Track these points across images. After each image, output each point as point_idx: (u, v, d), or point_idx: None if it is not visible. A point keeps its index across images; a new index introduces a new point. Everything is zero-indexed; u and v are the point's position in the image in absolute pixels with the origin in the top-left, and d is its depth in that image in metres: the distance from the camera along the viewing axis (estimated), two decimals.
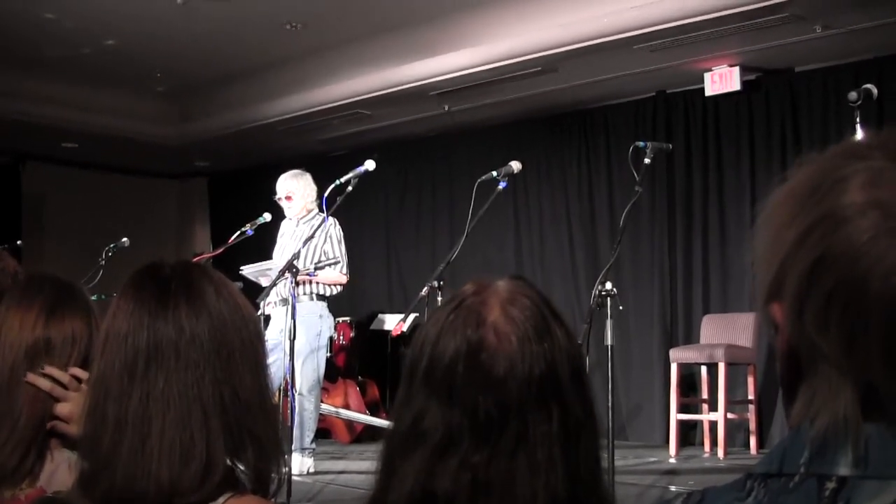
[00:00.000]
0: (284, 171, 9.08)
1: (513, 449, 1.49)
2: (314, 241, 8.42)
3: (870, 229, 1.12)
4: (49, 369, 2.46)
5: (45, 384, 2.44)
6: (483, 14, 10.09)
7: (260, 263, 8.64)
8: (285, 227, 9.02)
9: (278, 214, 8.97)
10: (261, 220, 8.68)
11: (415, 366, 1.58)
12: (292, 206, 8.88)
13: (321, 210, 8.24)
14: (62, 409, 2.44)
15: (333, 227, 8.67)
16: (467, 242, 6.54)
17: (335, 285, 8.70)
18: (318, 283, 8.54)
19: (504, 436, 1.49)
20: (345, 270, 8.71)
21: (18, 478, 2.38)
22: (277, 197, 8.94)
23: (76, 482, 1.88)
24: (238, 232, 8.56)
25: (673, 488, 7.64)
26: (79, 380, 2.44)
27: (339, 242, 8.71)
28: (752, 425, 9.47)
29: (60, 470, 2.40)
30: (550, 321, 1.58)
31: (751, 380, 9.47)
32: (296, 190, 8.86)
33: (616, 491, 6.07)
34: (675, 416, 9.45)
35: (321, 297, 8.64)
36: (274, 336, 8.07)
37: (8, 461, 2.38)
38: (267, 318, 8.48)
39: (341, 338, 11.99)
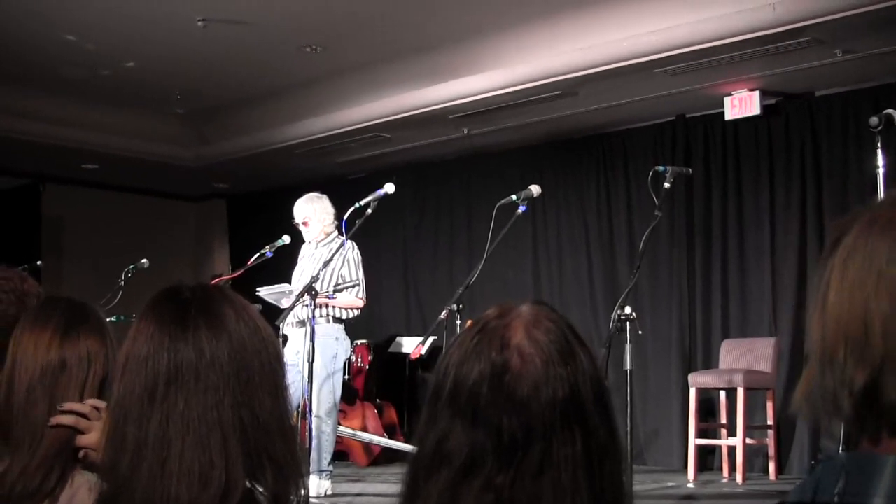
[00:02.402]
0: (303, 193, 9.07)
1: (537, 471, 1.49)
2: (332, 263, 8.43)
3: None
4: (69, 404, 2.46)
5: (68, 420, 2.44)
6: (503, 38, 10.10)
7: (277, 286, 8.64)
8: (304, 250, 9.02)
9: (297, 237, 8.98)
10: (280, 243, 8.69)
11: (439, 388, 1.58)
12: (310, 231, 8.88)
13: (340, 232, 8.24)
14: (87, 439, 2.44)
15: (351, 251, 8.67)
16: (486, 266, 6.54)
17: (351, 309, 8.69)
18: (334, 306, 8.53)
19: (528, 457, 1.50)
20: (361, 294, 8.69)
21: (38, 499, 2.38)
22: (295, 222, 8.94)
23: (96, 503, 1.88)
24: (257, 254, 8.58)
25: None
26: (98, 409, 2.44)
27: (357, 266, 8.70)
28: (771, 451, 9.42)
29: (80, 492, 2.39)
30: (574, 345, 1.58)
31: (770, 405, 9.43)
32: (312, 214, 8.85)
33: None
34: (693, 441, 9.41)
35: (338, 320, 8.63)
36: (290, 358, 8.07)
37: (30, 482, 2.37)
38: (285, 339, 8.48)
39: (359, 360, 11.99)
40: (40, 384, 2.47)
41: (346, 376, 11.21)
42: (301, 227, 8.92)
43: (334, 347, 8.49)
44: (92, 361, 2.53)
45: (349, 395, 11.32)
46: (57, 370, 2.49)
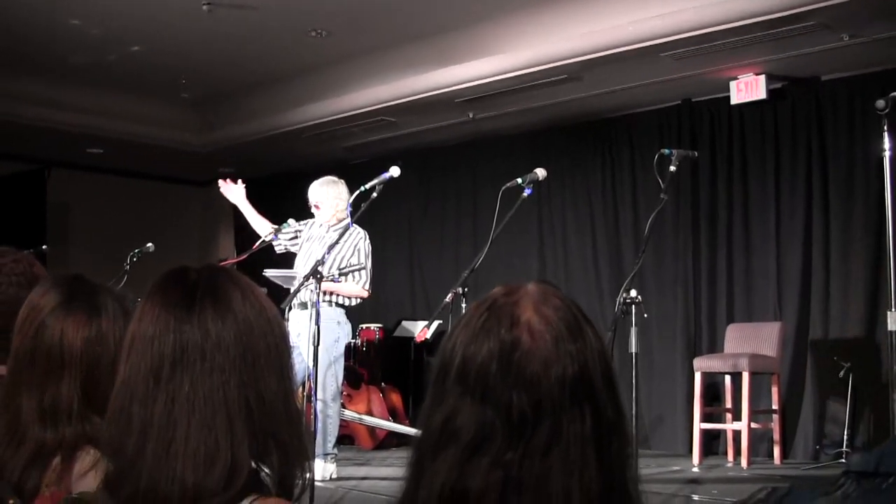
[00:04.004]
0: (309, 177, 9.05)
1: (546, 448, 1.50)
2: (341, 251, 8.43)
3: None
4: None
5: None
6: (508, 22, 10.10)
7: (284, 270, 8.64)
8: (315, 232, 8.95)
9: (302, 220, 8.97)
10: (285, 227, 8.68)
11: (446, 367, 1.59)
12: (321, 214, 8.87)
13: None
14: None
15: (363, 241, 8.65)
16: (491, 250, 6.53)
17: (355, 298, 8.68)
18: (337, 294, 8.52)
19: (537, 434, 1.50)
20: (367, 286, 8.66)
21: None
22: (310, 203, 8.93)
23: (101, 484, 1.88)
24: (262, 238, 8.58)
25: (696, 497, 7.61)
26: None
27: (367, 257, 8.67)
28: (776, 435, 9.43)
29: (88, 473, 2.39)
30: (582, 322, 1.59)
31: (775, 389, 9.44)
32: (324, 199, 8.83)
33: None
34: (698, 426, 9.41)
35: (340, 305, 8.62)
36: (291, 339, 8.04)
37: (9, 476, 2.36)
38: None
39: (364, 344, 12.01)
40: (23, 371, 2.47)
41: (351, 361, 11.23)
42: (314, 209, 8.92)
43: (336, 331, 8.48)
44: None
45: (354, 379, 11.34)
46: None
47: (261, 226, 9.01)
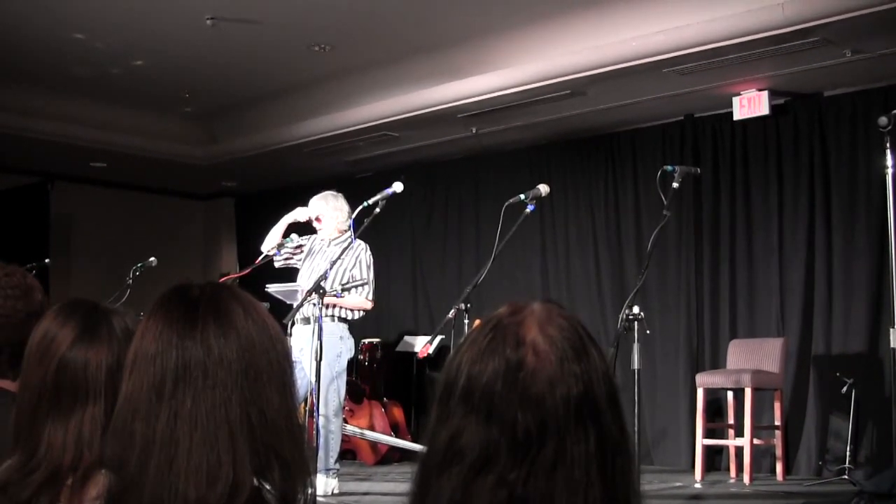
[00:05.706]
0: (311, 192, 9.08)
1: (551, 467, 1.50)
2: (343, 264, 8.43)
3: None
4: None
5: None
6: (511, 37, 10.10)
7: (286, 284, 8.64)
8: (317, 245, 8.96)
9: (305, 236, 8.98)
10: (288, 241, 8.68)
11: (451, 386, 1.59)
12: (322, 228, 8.88)
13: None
14: None
15: (364, 252, 8.66)
16: (494, 265, 6.53)
17: (359, 310, 8.67)
18: (341, 307, 8.52)
19: (542, 454, 1.50)
20: (371, 297, 8.66)
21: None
22: (308, 217, 8.95)
23: (104, 500, 1.88)
24: (264, 253, 8.58)
25: None
26: None
27: (369, 268, 8.67)
28: (779, 451, 9.42)
29: (88, 487, 2.38)
30: (587, 342, 1.59)
31: (777, 405, 9.42)
32: (324, 213, 8.85)
33: None
34: (700, 441, 9.39)
35: (342, 320, 8.61)
36: (294, 355, 8.04)
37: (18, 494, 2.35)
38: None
39: (366, 359, 11.99)
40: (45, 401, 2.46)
41: (353, 376, 11.21)
42: (315, 224, 8.93)
43: (338, 346, 8.47)
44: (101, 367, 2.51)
45: (357, 394, 11.33)
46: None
47: (272, 239, 9.01)
